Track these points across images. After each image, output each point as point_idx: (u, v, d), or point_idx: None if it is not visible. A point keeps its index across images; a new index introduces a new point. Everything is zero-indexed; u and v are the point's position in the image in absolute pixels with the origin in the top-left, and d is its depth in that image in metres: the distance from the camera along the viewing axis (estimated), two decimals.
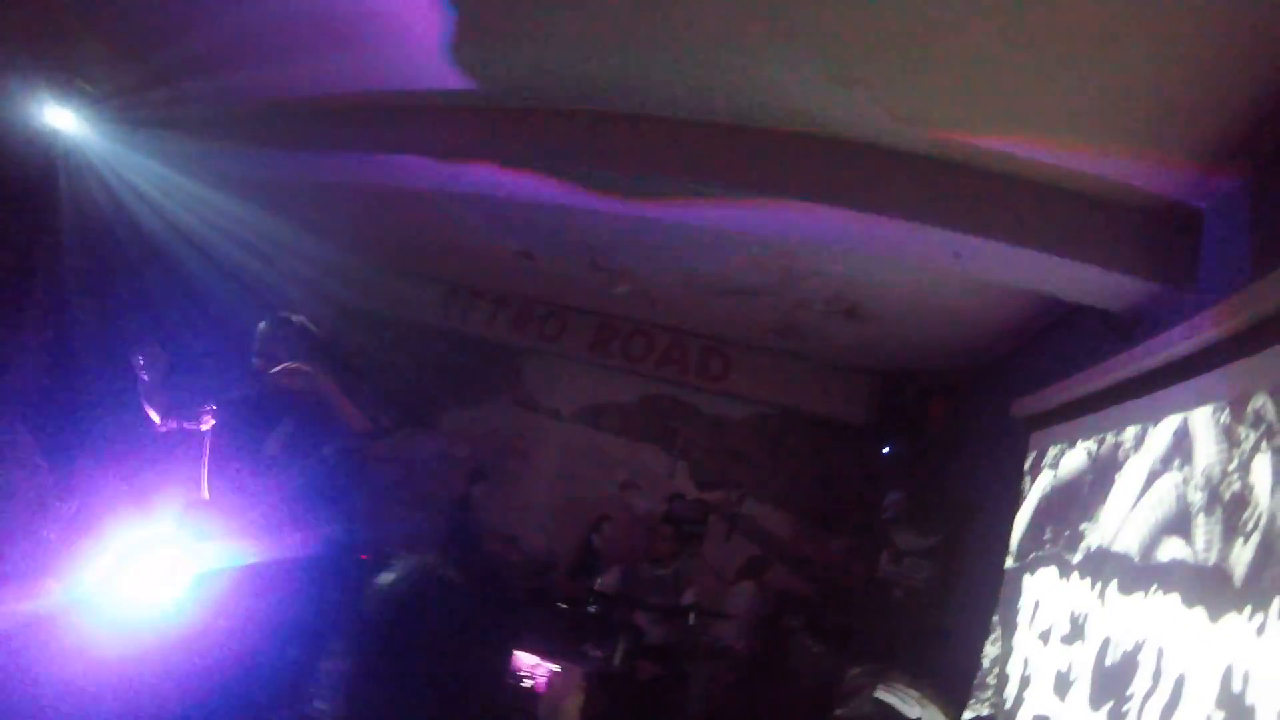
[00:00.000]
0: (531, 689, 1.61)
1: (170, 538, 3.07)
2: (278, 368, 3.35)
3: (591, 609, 5.98)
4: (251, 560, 3.10)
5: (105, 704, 2.30)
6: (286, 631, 2.96)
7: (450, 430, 7.76)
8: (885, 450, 6.62)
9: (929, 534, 5.04)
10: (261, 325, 3.63)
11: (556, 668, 1.68)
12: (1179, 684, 2.39)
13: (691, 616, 5.99)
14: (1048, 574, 3.68)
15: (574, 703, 1.65)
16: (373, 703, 1.32)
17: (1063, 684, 3.17)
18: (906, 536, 5.42)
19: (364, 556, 3.87)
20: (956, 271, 3.96)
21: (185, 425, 3.57)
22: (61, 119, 4.26)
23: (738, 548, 7.31)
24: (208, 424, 3.59)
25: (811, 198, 3.57)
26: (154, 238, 4.95)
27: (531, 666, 1.67)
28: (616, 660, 5.60)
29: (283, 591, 3.11)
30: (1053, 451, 4.02)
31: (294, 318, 3.67)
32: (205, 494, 3.46)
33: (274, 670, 2.65)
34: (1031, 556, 3.94)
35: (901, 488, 5.88)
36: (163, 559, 2.84)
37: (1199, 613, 2.41)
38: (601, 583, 6.42)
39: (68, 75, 4.08)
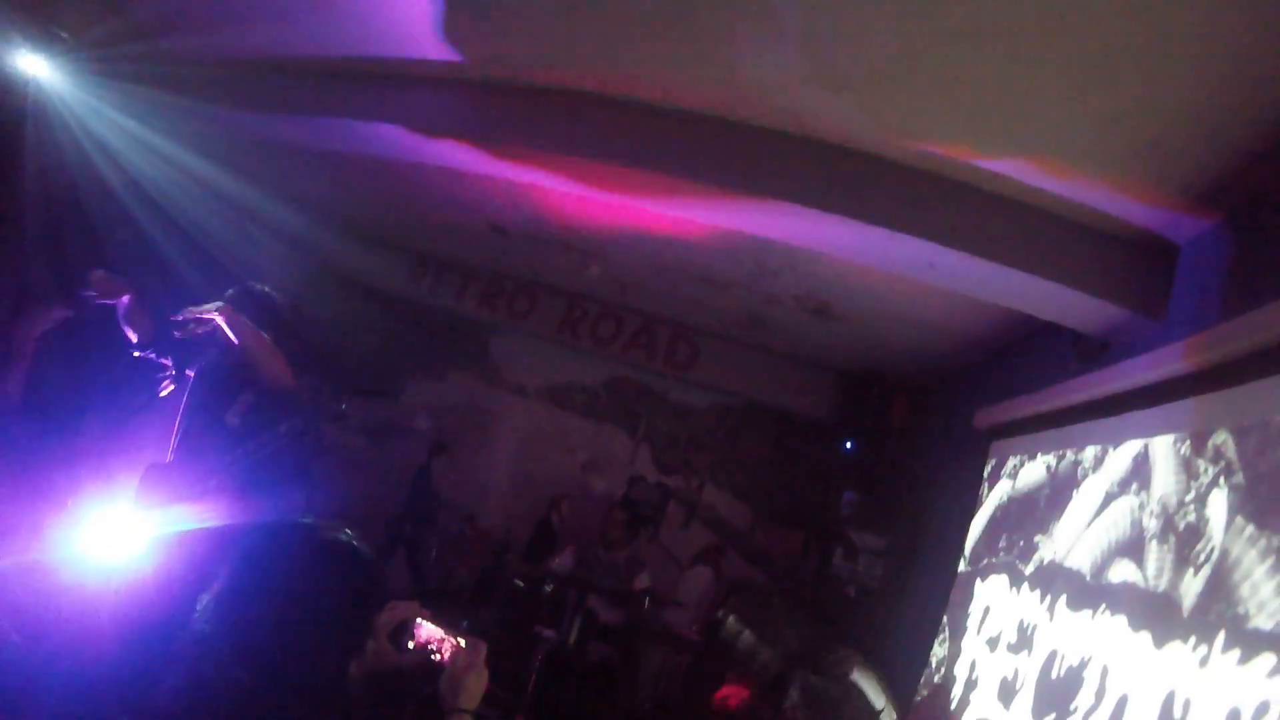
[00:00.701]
0: (434, 661, 1.62)
1: (129, 500, 3.04)
2: (187, 315, 3.27)
3: (547, 588, 6.01)
4: (200, 525, 3.06)
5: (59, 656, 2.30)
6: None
7: (413, 401, 7.70)
8: (846, 448, 6.70)
9: (884, 533, 5.12)
10: (228, 293, 3.56)
11: (461, 641, 1.68)
12: (1121, 704, 2.46)
13: (646, 601, 6.04)
14: (999, 582, 3.76)
15: (476, 678, 1.65)
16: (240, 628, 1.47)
17: (1007, 691, 3.25)
18: (862, 535, 5.51)
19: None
20: (930, 281, 4.00)
21: (160, 358, 3.49)
22: (35, 65, 4.11)
23: (695, 535, 7.38)
24: (166, 390, 3.52)
25: (789, 197, 3.56)
26: (120, 195, 4.82)
27: (436, 639, 1.67)
28: (570, 641, 5.64)
29: (223, 555, 3.08)
30: (1012, 462, 4.09)
31: (258, 287, 3.60)
32: (169, 458, 3.41)
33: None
34: (984, 563, 4.02)
35: (860, 486, 5.96)
36: (119, 520, 2.82)
37: (1145, 637, 2.48)
38: (557, 563, 6.44)
39: (46, 20, 3.93)
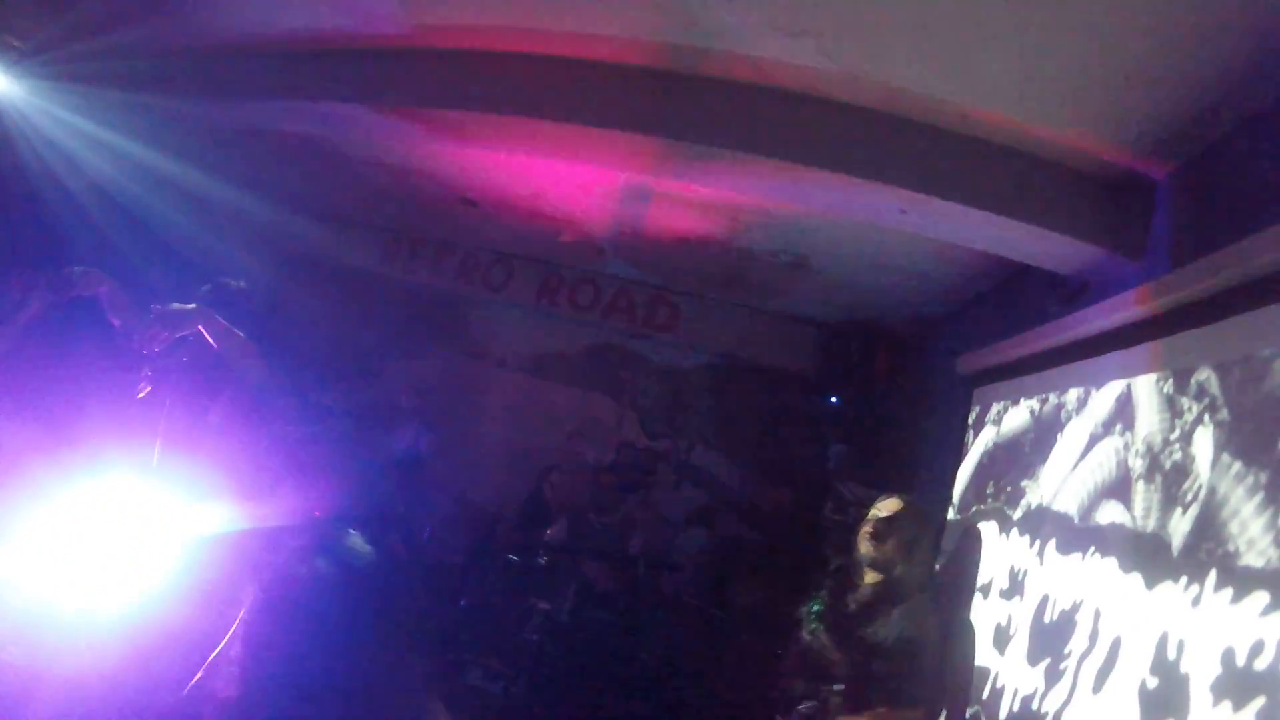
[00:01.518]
0: None
1: (116, 503, 2.91)
2: (160, 313, 3.17)
3: (541, 560, 6.00)
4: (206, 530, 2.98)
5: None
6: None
7: (395, 381, 7.63)
8: (831, 401, 6.69)
9: (873, 484, 5.12)
10: (203, 290, 3.47)
11: None
12: (1115, 646, 2.46)
13: (641, 566, 6.05)
14: (988, 528, 3.76)
15: None
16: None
17: (1001, 637, 3.27)
18: (851, 486, 5.51)
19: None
20: (905, 229, 3.95)
21: (143, 347, 3.40)
22: None
23: (686, 496, 7.38)
24: (144, 391, 3.44)
25: (751, 150, 3.49)
26: (82, 199, 4.70)
27: None
28: (567, 610, 5.65)
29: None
30: (996, 408, 4.08)
31: (232, 283, 3.51)
32: (154, 461, 3.33)
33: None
34: (973, 510, 4.02)
35: (847, 438, 5.96)
36: (106, 528, 2.69)
37: (1136, 578, 2.47)
38: (550, 534, 6.43)
39: None
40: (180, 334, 3.10)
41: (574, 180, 5.06)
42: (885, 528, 3.30)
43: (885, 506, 3.38)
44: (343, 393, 6.91)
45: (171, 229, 5.43)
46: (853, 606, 3.26)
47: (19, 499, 2.86)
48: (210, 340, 3.15)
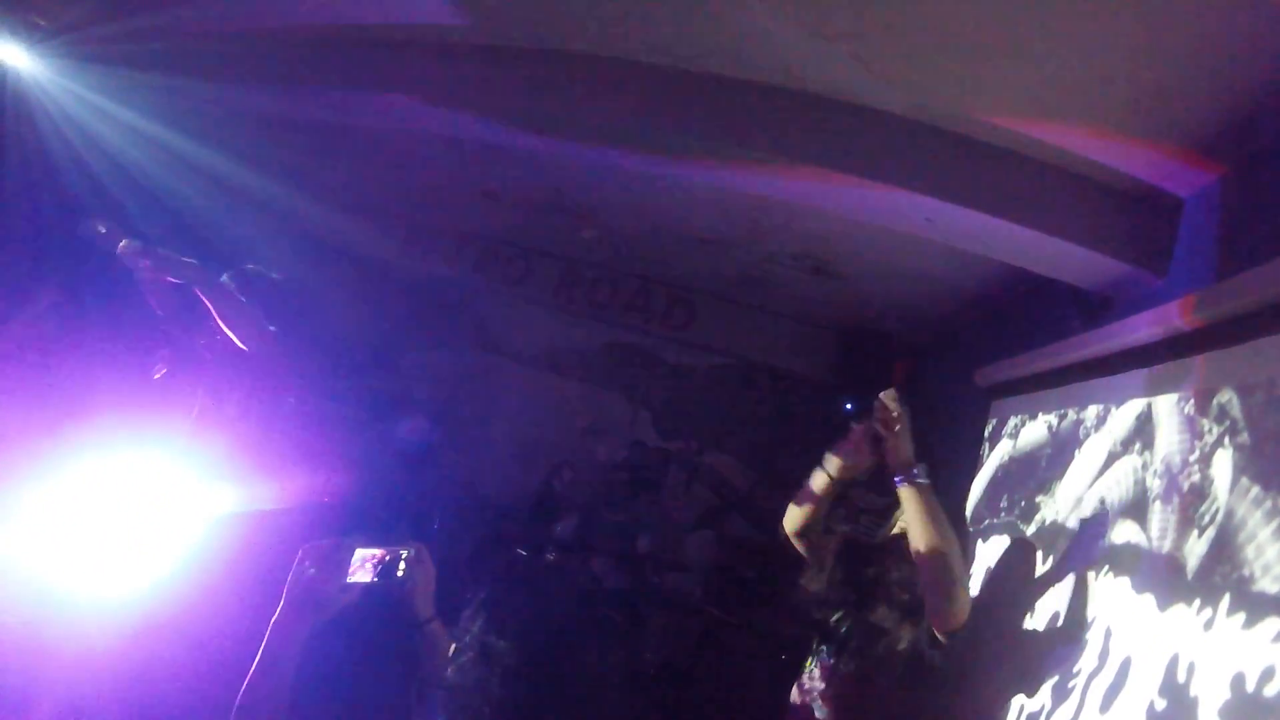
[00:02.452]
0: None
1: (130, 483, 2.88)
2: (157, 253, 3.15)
3: (550, 556, 6.01)
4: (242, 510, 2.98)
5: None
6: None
7: (410, 372, 7.65)
8: (847, 408, 6.65)
9: (886, 493, 5.08)
10: (224, 277, 3.48)
11: (403, 552, 1.65)
12: (1125, 666, 2.44)
13: (649, 565, 6.06)
14: (1000, 542, 3.73)
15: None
16: None
17: None
18: (864, 494, 5.47)
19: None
20: (928, 237, 3.92)
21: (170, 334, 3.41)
22: (14, 56, 4.01)
23: (696, 498, 7.37)
24: (160, 372, 3.47)
25: (781, 153, 3.48)
26: (106, 180, 4.72)
27: (374, 558, 1.63)
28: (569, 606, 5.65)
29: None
30: (1013, 421, 4.05)
31: (254, 270, 3.53)
32: (172, 441, 3.35)
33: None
34: (985, 523, 3.99)
35: None
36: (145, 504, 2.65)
37: (1149, 599, 2.44)
38: (559, 529, 6.45)
39: (23, 10, 3.82)
40: (166, 276, 3.06)
41: (600, 175, 5.05)
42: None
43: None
44: (357, 382, 6.94)
45: (192, 212, 5.46)
46: (868, 626, 2.89)
47: (25, 478, 2.86)
48: (206, 303, 3.14)
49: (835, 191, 3.63)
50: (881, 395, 2.60)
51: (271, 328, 3.32)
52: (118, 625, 2.28)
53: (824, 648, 3.08)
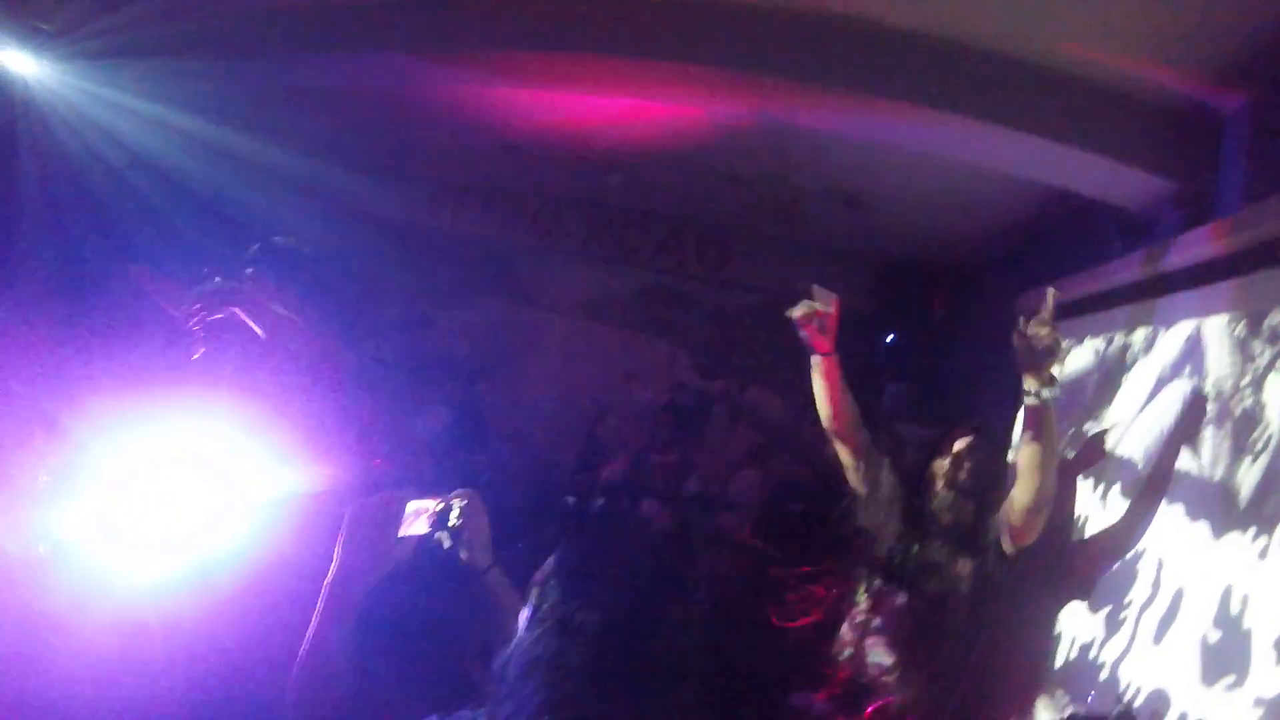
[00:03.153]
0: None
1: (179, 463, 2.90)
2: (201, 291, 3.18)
3: (599, 502, 6.09)
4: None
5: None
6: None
7: (447, 331, 7.70)
8: (887, 340, 6.57)
9: (930, 425, 5.03)
10: (252, 249, 3.49)
11: (455, 503, 1.63)
12: (1177, 598, 2.40)
13: (697, 504, 6.10)
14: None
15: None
16: None
17: None
18: (907, 427, 5.42)
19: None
20: (963, 160, 3.80)
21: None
22: (22, 63, 4.02)
23: (741, 436, 7.37)
24: (198, 353, 3.50)
25: (805, 80, 3.38)
26: (127, 172, 4.75)
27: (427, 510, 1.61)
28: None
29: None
30: None
31: (282, 241, 3.52)
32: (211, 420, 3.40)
33: None
34: None
35: (903, 378, 5.84)
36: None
37: (1201, 528, 2.40)
38: (606, 475, 6.51)
39: (25, 16, 3.81)
40: (217, 315, 3.10)
41: (621, 118, 4.95)
42: (960, 465, 2.99)
43: (959, 441, 3.07)
44: (396, 345, 7.01)
45: (218, 194, 5.48)
46: (921, 558, 2.95)
47: (79, 456, 2.91)
48: (252, 326, 3.15)
49: (867, 119, 3.52)
50: (1034, 320, 2.73)
51: (297, 312, 3.32)
52: (174, 604, 2.34)
53: (876, 580, 3.10)
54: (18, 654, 2.18)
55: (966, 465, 3.02)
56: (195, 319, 3.07)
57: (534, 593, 1.38)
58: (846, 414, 3.23)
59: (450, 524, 1.68)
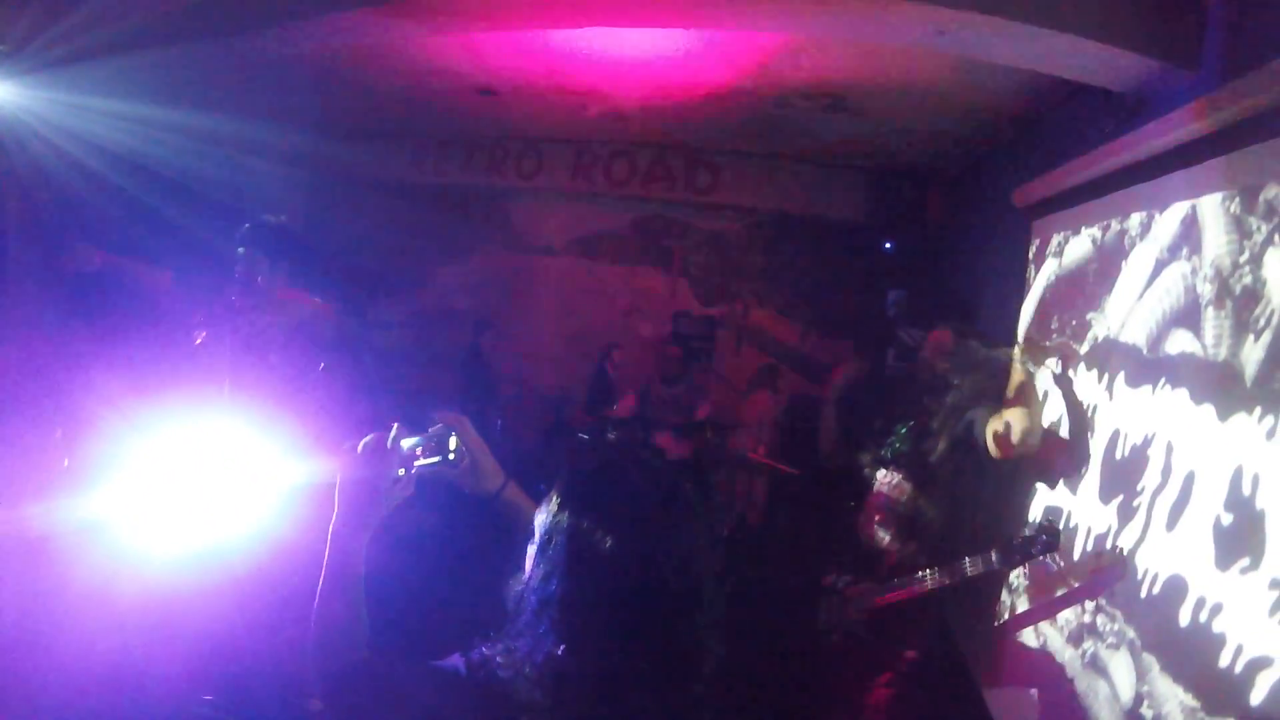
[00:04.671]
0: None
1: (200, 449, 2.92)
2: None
3: (611, 436, 6.13)
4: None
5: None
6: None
7: (446, 285, 7.67)
8: (886, 247, 6.50)
9: (934, 328, 5.03)
10: (244, 229, 3.46)
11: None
12: (1189, 481, 2.41)
13: (709, 430, 6.14)
14: (1055, 364, 3.67)
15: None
16: None
17: None
18: (912, 332, 5.41)
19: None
20: (943, 51, 3.67)
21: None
22: None
23: (748, 359, 7.38)
24: (200, 338, 3.51)
25: None
26: (103, 172, 4.68)
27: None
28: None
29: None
30: (1056, 239, 3.90)
31: (270, 219, 3.49)
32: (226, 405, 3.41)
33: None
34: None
35: (904, 284, 5.80)
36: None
37: (1208, 410, 2.39)
38: (617, 410, 6.55)
39: None
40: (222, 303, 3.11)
41: (592, 49, 4.83)
42: (935, 358, 3.27)
43: (935, 336, 3.37)
44: (397, 304, 7.00)
45: (201, 179, 5.41)
46: (931, 454, 3.15)
47: (104, 444, 2.94)
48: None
49: (842, 15, 3.40)
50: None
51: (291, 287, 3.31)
52: (198, 587, 2.38)
53: (880, 468, 3.28)
54: (49, 629, 2.24)
55: (941, 358, 3.27)
56: (200, 308, 3.08)
57: (541, 523, 1.37)
58: None
59: (450, 456, 1.65)
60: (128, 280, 3.38)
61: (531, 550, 1.35)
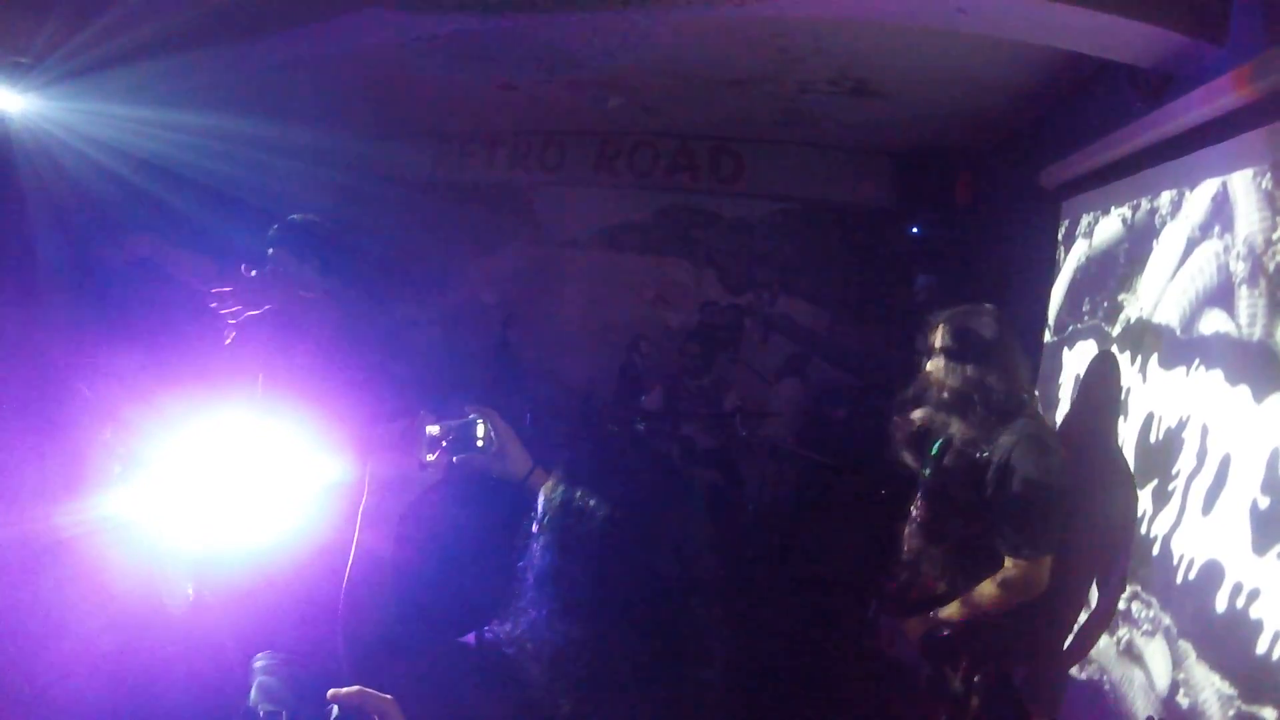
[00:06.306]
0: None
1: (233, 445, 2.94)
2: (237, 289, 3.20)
3: (640, 428, 6.15)
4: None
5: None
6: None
7: (475, 280, 7.72)
8: (913, 232, 6.43)
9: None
10: (273, 230, 3.49)
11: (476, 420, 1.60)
12: (1224, 464, 2.36)
13: (738, 420, 6.13)
14: (1086, 347, 3.61)
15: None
16: None
17: None
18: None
19: None
20: (964, 30, 3.62)
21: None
22: (6, 100, 4.02)
23: (776, 347, 7.35)
24: (230, 337, 3.55)
25: None
26: (132, 178, 4.76)
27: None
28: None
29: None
30: (1086, 220, 3.83)
31: (299, 218, 3.51)
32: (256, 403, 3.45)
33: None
34: (1070, 330, 3.87)
35: (933, 269, 5.73)
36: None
37: (1243, 391, 2.34)
38: (646, 401, 6.56)
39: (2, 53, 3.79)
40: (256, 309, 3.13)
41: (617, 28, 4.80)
42: (942, 339, 2.90)
43: (937, 319, 2.99)
44: (425, 300, 7.05)
45: (227, 181, 5.47)
46: (956, 440, 2.83)
47: (143, 441, 2.99)
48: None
49: None
50: None
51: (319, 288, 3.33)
52: (230, 578, 2.42)
53: (925, 472, 3.08)
54: (93, 618, 2.30)
55: (944, 340, 2.90)
56: (229, 310, 3.12)
57: (542, 499, 1.38)
58: None
59: (479, 443, 1.66)
60: (173, 267, 3.43)
61: (535, 528, 1.37)
